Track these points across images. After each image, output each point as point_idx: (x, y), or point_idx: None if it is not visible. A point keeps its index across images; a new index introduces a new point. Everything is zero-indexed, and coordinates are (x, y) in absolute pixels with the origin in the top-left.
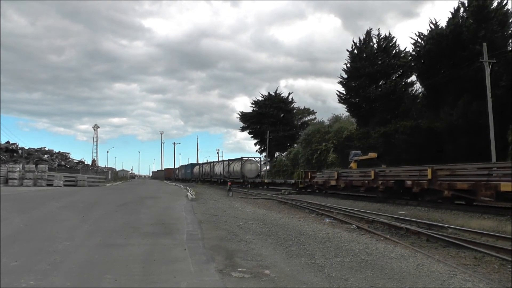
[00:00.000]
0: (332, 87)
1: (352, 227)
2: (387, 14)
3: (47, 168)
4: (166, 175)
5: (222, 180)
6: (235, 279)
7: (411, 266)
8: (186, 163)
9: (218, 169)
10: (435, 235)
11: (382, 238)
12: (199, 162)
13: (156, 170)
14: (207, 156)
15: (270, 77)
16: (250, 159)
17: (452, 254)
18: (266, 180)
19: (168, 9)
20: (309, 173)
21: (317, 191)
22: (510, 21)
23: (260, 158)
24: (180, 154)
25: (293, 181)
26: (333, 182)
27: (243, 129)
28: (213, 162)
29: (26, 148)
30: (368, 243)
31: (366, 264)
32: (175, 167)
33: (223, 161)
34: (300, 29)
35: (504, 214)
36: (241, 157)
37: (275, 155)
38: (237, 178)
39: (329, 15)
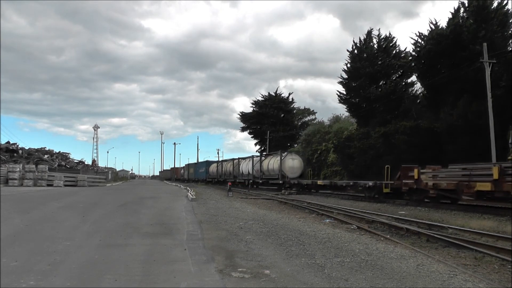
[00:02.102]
0: (331, 87)
1: (352, 227)
2: (386, 14)
3: (47, 168)
4: (172, 175)
5: (251, 181)
6: (235, 279)
7: (411, 266)
8: (199, 161)
9: (246, 167)
10: (435, 235)
11: (382, 238)
12: (199, 161)
13: (162, 170)
14: (207, 156)
15: (269, 77)
16: (291, 153)
17: (452, 254)
18: (320, 182)
19: (168, 10)
20: (414, 170)
21: (427, 201)
22: (510, 21)
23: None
24: (180, 154)
25: (370, 183)
26: (485, 187)
27: (243, 129)
28: (238, 158)
29: (26, 148)
30: (368, 243)
31: (366, 264)
32: (180, 166)
33: (253, 157)
34: (299, 29)
35: (504, 214)
36: (280, 151)
37: None
38: (273, 178)
39: (328, 15)
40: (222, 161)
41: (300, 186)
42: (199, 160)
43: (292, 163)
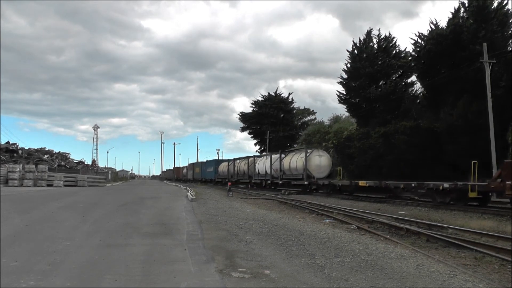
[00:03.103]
0: (331, 87)
1: (352, 227)
2: (386, 14)
3: (47, 169)
4: (176, 175)
5: (269, 181)
6: (235, 279)
7: (411, 266)
8: (206, 160)
9: (263, 166)
10: (435, 235)
11: (382, 239)
12: (199, 160)
13: (165, 170)
14: (207, 156)
15: (269, 78)
16: (317, 149)
17: (452, 255)
18: (362, 182)
19: (167, 10)
20: None
21: None
22: (510, 21)
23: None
24: (180, 154)
25: (445, 185)
26: None
27: (243, 130)
28: (253, 156)
29: (26, 148)
30: (368, 244)
31: (366, 264)
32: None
33: (271, 154)
34: (299, 29)
35: (504, 214)
36: (305, 146)
37: None
38: (296, 178)
39: (327, 15)
40: (234, 159)
41: (331, 188)
42: (199, 160)
43: (319, 160)
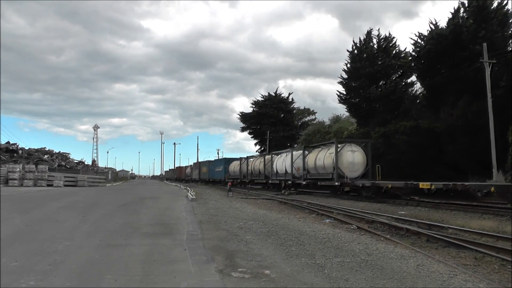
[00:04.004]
0: (331, 87)
1: (352, 227)
2: (385, 14)
3: (47, 169)
4: (178, 175)
5: (289, 182)
6: (235, 279)
7: (411, 267)
8: (215, 158)
9: (282, 164)
10: (435, 236)
11: (382, 239)
12: (199, 160)
13: (168, 169)
14: (207, 156)
15: (268, 78)
16: (350, 144)
17: (452, 255)
18: (425, 184)
19: (167, 10)
20: None
21: None
22: (510, 21)
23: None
24: (180, 154)
25: None
26: None
27: (243, 130)
28: (271, 153)
29: (26, 148)
30: (368, 244)
31: (366, 264)
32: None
33: (292, 150)
34: (298, 29)
35: (504, 214)
36: (335, 139)
37: None
38: (324, 178)
39: (327, 15)
40: (248, 157)
41: (374, 190)
42: (199, 160)
43: (352, 157)
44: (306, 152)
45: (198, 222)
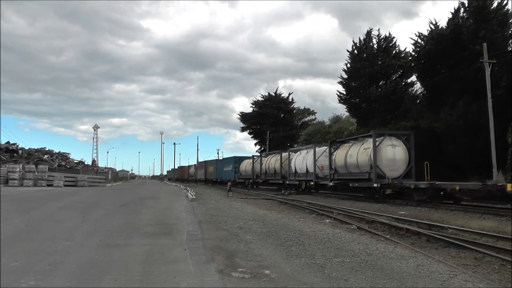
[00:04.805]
0: (330, 88)
1: (352, 227)
2: (385, 14)
3: (47, 169)
4: (180, 175)
5: (312, 183)
6: (235, 279)
7: (411, 267)
8: (224, 157)
9: (302, 162)
10: (435, 236)
11: (382, 239)
12: (199, 160)
13: (170, 169)
14: (207, 156)
15: (268, 78)
16: (390, 137)
17: (452, 255)
18: None
19: (166, 10)
20: None
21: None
22: (510, 21)
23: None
24: (180, 154)
25: None
26: None
27: (243, 130)
28: (288, 151)
29: (26, 148)
30: (368, 244)
31: (366, 264)
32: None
33: (314, 146)
34: (298, 29)
35: (504, 215)
36: (373, 132)
37: None
38: (358, 179)
39: (326, 15)
40: (261, 155)
41: (431, 193)
42: (199, 160)
43: (393, 152)
44: (333, 148)
45: (198, 222)
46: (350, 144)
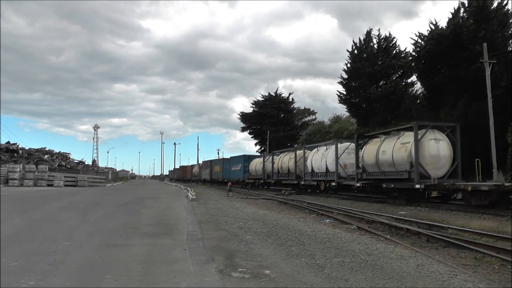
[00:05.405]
0: (330, 88)
1: (352, 227)
2: (385, 14)
3: (47, 169)
4: (182, 175)
5: (333, 183)
6: (235, 279)
7: (411, 267)
8: (233, 155)
9: (321, 161)
10: (436, 236)
11: (382, 239)
12: (199, 160)
13: (172, 169)
14: (207, 156)
15: (268, 78)
16: (432, 130)
17: (452, 255)
18: None
19: (166, 10)
20: None
21: None
22: (510, 21)
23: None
24: (180, 154)
25: None
26: None
27: (243, 130)
28: (304, 147)
29: (27, 148)
30: (368, 244)
31: (366, 264)
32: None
33: (336, 142)
34: (297, 29)
35: (504, 215)
36: (415, 123)
37: None
38: (393, 178)
39: (326, 15)
40: (273, 153)
41: (494, 198)
42: (199, 160)
43: (437, 147)
44: (360, 143)
45: (198, 222)
46: (382, 138)
